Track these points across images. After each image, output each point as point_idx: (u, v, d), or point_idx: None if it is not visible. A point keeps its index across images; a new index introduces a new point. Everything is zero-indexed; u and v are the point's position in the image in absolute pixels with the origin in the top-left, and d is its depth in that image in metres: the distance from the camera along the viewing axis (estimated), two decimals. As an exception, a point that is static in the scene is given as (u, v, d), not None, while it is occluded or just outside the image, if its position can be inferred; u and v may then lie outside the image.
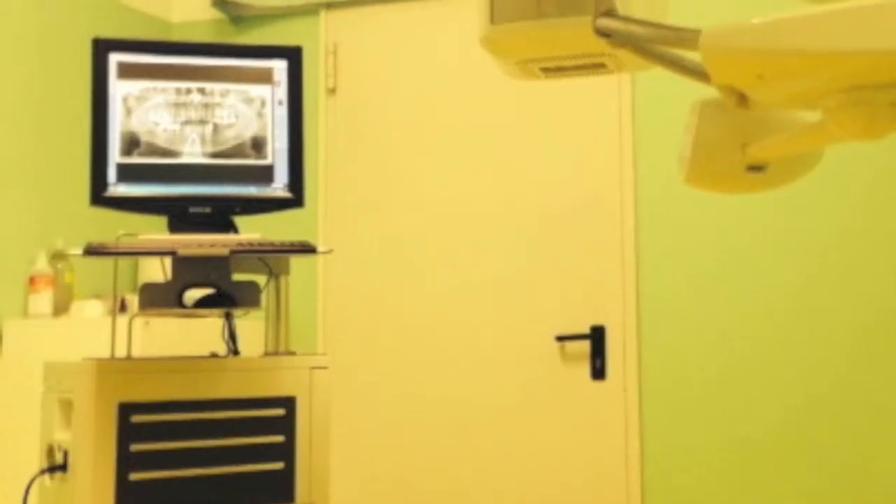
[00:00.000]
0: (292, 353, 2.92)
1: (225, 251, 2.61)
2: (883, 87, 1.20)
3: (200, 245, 2.64)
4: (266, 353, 2.94)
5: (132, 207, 2.87)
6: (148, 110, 2.91)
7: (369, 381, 4.83)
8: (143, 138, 2.89)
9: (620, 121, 4.56)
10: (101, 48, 2.93)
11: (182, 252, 2.59)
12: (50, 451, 2.75)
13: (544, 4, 1.62)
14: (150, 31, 4.96)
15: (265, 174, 3.00)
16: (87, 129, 2.93)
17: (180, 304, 2.71)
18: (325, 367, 2.89)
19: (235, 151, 2.97)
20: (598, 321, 4.55)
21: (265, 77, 3.06)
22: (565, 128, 4.65)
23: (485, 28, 1.69)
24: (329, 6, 5.02)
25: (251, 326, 4.09)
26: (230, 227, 2.91)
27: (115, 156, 2.86)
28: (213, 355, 2.87)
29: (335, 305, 4.90)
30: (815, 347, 4.24)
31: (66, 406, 2.68)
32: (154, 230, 3.01)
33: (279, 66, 3.09)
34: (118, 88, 2.92)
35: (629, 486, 4.45)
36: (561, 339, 4.56)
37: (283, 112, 3.07)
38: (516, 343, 4.65)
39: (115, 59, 2.94)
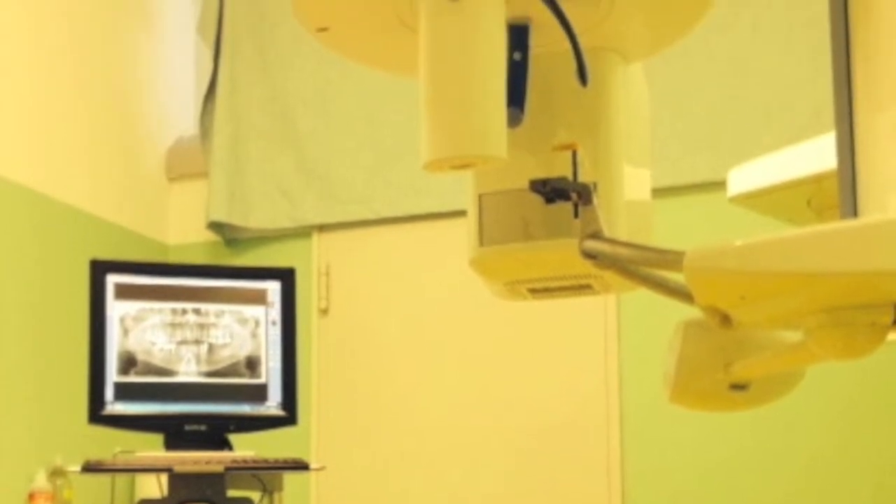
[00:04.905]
0: (284, 572, 2.91)
1: (220, 468, 2.63)
2: (862, 308, 1.19)
3: (196, 462, 2.65)
4: (258, 571, 2.93)
5: (129, 425, 2.89)
6: (144, 330, 2.95)
7: None
8: (140, 357, 2.92)
9: (606, 340, 4.60)
10: (99, 269, 2.98)
11: (178, 469, 2.60)
12: None
13: (532, 227, 1.65)
14: (146, 252, 5.03)
15: (259, 393, 3.02)
16: (85, 348, 2.96)
17: (175, 521, 2.71)
18: (316, 587, 2.87)
19: (230, 370, 3.00)
20: (588, 540, 4.51)
21: (259, 298, 3.11)
22: (553, 347, 4.68)
23: (474, 250, 1.70)
24: (321, 228, 5.10)
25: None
26: (225, 445, 2.92)
27: (112, 375, 2.89)
28: (207, 573, 2.85)
29: (325, 525, 4.86)
30: (807, 567, 4.21)
31: None
32: (151, 447, 3.02)
33: (273, 288, 3.13)
34: (115, 309, 2.96)
35: None
36: (551, 558, 4.52)
37: (276, 332, 3.11)
38: (507, 563, 4.60)
39: (112, 280, 2.98)
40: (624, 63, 1.73)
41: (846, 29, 1.41)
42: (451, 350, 4.83)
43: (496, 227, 1.68)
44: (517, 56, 1.60)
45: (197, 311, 3.02)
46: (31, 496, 4.22)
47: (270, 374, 3.05)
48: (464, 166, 1.49)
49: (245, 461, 2.72)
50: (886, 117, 1.33)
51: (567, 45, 1.60)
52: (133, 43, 5.10)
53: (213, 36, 5.21)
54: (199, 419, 2.92)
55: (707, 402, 1.57)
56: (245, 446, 3.20)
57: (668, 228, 4.42)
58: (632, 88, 1.76)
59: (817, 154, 2.17)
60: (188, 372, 2.96)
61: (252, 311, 3.08)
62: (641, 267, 1.43)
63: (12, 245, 4.29)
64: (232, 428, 2.95)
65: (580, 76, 1.64)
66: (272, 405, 3.04)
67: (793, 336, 1.41)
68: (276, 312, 3.12)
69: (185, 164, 5.31)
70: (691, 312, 1.38)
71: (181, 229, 5.26)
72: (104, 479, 4.44)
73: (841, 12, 1.41)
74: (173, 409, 2.93)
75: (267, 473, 2.94)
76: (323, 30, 1.63)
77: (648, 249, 1.40)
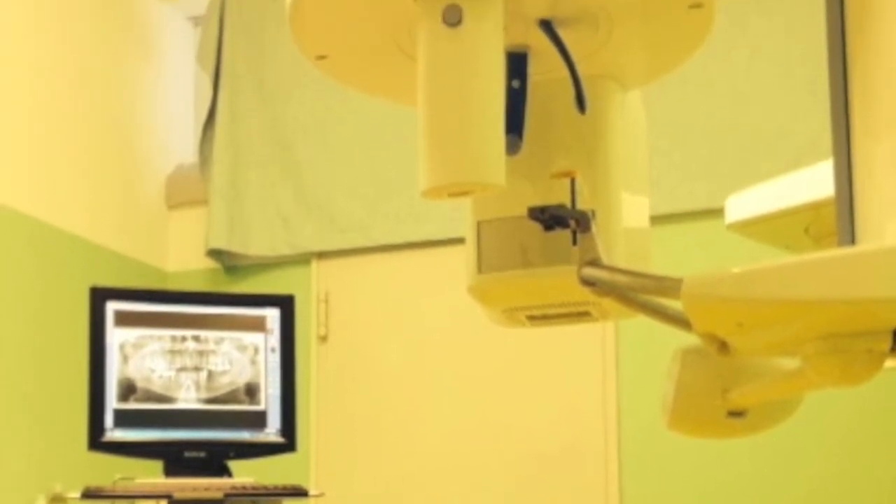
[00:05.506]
0: None
1: (219, 495, 2.63)
2: (859, 335, 1.18)
3: (195, 489, 2.65)
4: None
5: (129, 452, 2.89)
6: (144, 357, 2.95)
7: None
8: (140, 384, 2.92)
9: (604, 366, 4.60)
10: (99, 296, 2.98)
11: (177, 496, 2.60)
12: None
13: (530, 254, 1.64)
14: (146, 279, 5.03)
15: (258, 419, 3.03)
16: (85, 375, 2.97)
17: (174, 548, 2.71)
18: None
19: (229, 397, 3.00)
20: (587, 568, 4.50)
21: (258, 325, 3.11)
22: (551, 373, 4.68)
23: (472, 277, 1.70)
24: (320, 256, 5.11)
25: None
26: (224, 471, 2.92)
27: (112, 401, 2.89)
28: None
29: (324, 553, 4.85)
30: None
31: None
32: (150, 474, 3.02)
33: (272, 315, 3.14)
34: (115, 336, 2.96)
35: None
36: (551, 587, 4.51)
37: (275, 359, 3.11)
38: (506, 591, 4.59)
39: (112, 307, 2.99)
40: (622, 90, 1.73)
41: (843, 58, 1.41)
42: (449, 377, 4.83)
43: (495, 254, 1.67)
44: (516, 83, 1.61)
45: (196, 338, 3.02)
46: (31, 523, 4.22)
47: (270, 400, 3.05)
48: (462, 193, 1.49)
49: (244, 488, 2.72)
50: (884, 145, 1.33)
51: (565, 72, 1.60)
52: (133, 71, 5.12)
53: (212, 64, 5.23)
54: (198, 446, 2.93)
55: (705, 429, 1.57)
56: (244, 473, 3.20)
57: (666, 256, 4.42)
58: (630, 116, 1.76)
59: (815, 182, 2.18)
60: (187, 399, 2.96)
61: (251, 338, 3.09)
62: (639, 294, 1.43)
63: (12, 272, 4.29)
64: (231, 454, 2.95)
65: (578, 104, 1.64)
66: (271, 432, 3.04)
67: (790, 363, 1.41)
68: (275, 339, 3.12)
69: (185, 191, 5.32)
70: (689, 339, 1.38)
71: (181, 256, 5.27)
72: (104, 505, 4.44)
73: (838, 41, 1.42)
74: (173, 435, 2.93)
75: (266, 500, 2.94)
76: (322, 57, 1.64)
77: (646, 276, 1.39)
